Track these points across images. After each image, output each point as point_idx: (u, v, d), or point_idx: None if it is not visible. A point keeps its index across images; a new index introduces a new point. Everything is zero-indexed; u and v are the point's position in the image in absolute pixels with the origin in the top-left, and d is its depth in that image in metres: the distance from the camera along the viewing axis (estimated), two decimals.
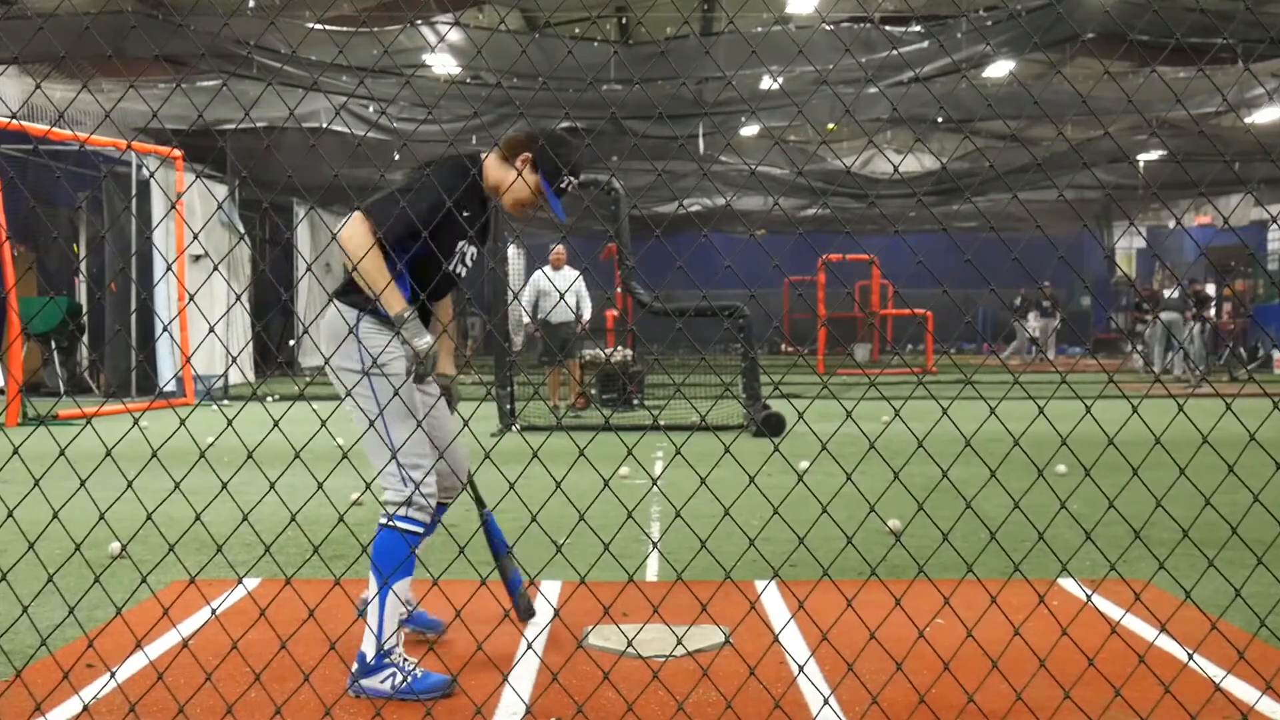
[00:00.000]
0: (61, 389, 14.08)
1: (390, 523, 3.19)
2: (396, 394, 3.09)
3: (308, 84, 13.86)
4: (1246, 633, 3.66)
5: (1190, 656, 3.09)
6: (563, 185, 3.35)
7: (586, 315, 13.35)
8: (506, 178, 3.35)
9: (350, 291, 3.26)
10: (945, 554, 4.65)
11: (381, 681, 3.13)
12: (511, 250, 19.28)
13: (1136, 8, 12.29)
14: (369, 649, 3.15)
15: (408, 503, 3.17)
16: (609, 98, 15.46)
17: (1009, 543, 4.64)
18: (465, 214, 3.27)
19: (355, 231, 3.12)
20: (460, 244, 3.34)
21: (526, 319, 13.07)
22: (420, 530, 3.22)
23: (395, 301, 3.13)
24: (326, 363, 3.19)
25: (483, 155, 3.44)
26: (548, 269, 12.82)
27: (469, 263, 3.43)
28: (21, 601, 3.25)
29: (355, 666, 3.17)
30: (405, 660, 3.18)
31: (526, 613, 3.73)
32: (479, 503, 3.65)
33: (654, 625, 3.64)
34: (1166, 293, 20.86)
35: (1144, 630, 3.69)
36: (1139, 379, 18.35)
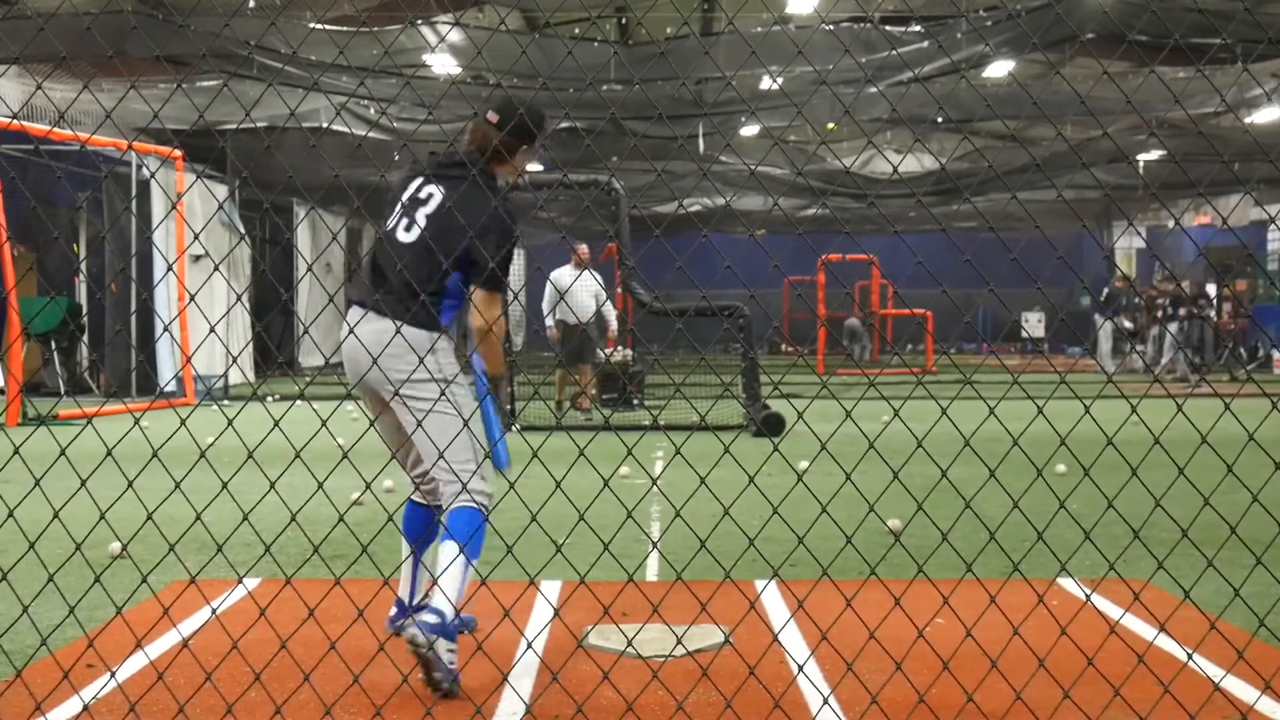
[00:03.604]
0: (62, 389, 14.07)
1: (480, 507, 3.43)
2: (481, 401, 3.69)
3: (308, 84, 13.86)
4: (1246, 632, 3.66)
5: (1189, 656, 3.09)
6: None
7: (612, 322, 12.79)
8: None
9: (419, 316, 3.42)
10: (945, 554, 4.64)
11: (449, 651, 3.15)
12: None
13: (1135, 8, 12.29)
14: (446, 608, 3.16)
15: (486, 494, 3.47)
16: (609, 98, 15.46)
17: (1008, 542, 4.64)
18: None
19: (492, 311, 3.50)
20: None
21: (550, 323, 12.40)
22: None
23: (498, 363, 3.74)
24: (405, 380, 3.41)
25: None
26: (568, 267, 12.18)
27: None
28: (22, 601, 3.26)
29: (431, 619, 3.15)
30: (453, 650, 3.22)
31: None
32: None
33: (654, 625, 3.64)
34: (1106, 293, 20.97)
35: (1143, 630, 3.69)
36: (1138, 379, 18.34)
